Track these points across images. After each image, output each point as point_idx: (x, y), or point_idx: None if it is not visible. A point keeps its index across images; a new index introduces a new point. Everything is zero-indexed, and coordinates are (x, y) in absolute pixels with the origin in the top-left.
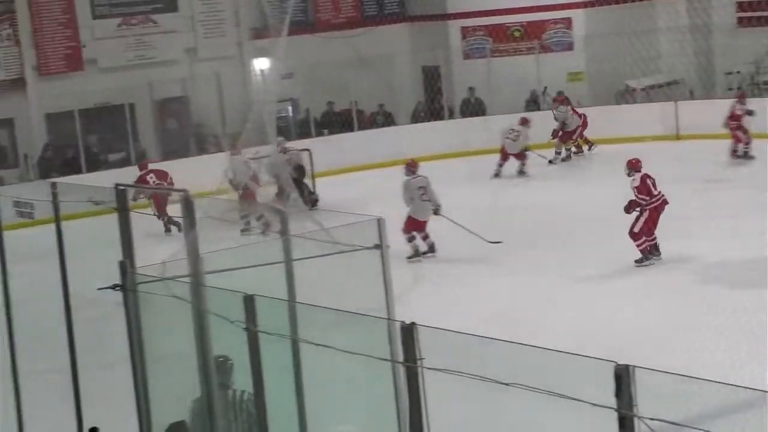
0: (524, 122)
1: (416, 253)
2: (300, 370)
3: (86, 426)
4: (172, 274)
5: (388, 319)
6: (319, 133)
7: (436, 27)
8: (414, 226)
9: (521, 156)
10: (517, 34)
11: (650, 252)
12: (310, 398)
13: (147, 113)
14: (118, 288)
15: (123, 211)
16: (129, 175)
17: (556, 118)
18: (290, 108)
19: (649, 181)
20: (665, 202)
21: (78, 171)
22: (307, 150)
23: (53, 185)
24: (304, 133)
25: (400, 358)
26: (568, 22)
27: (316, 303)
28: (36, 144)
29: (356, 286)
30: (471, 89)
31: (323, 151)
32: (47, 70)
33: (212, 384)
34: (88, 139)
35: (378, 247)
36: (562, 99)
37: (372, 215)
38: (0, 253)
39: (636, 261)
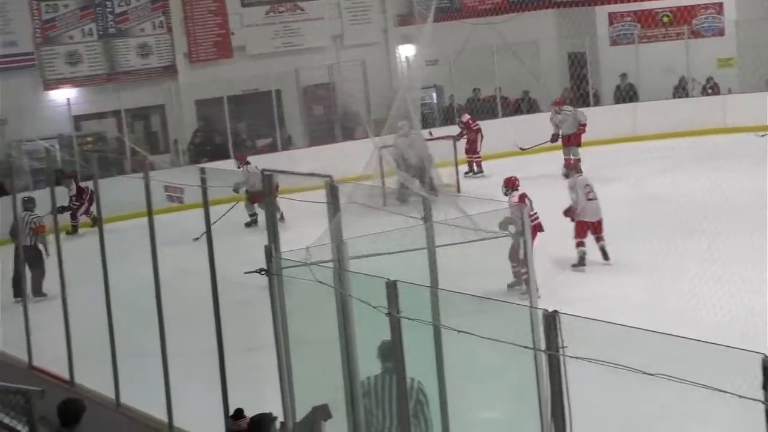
0: None
1: (581, 262)
2: (441, 356)
3: (232, 407)
4: (316, 259)
5: (531, 306)
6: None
7: (583, 13)
8: (584, 229)
9: None
10: (666, 19)
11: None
12: (452, 384)
13: (293, 99)
14: (263, 272)
15: (268, 196)
16: (276, 160)
17: None
18: (434, 95)
19: (527, 200)
20: (539, 227)
21: (226, 156)
22: (451, 136)
23: (202, 170)
24: (448, 120)
25: (542, 345)
26: (719, 7)
27: (458, 289)
28: (186, 130)
29: (498, 274)
30: (623, 75)
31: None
32: (197, 58)
33: (355, 368)
34: (236, 125)
35: (520, 234)
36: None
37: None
38: (151, 237)
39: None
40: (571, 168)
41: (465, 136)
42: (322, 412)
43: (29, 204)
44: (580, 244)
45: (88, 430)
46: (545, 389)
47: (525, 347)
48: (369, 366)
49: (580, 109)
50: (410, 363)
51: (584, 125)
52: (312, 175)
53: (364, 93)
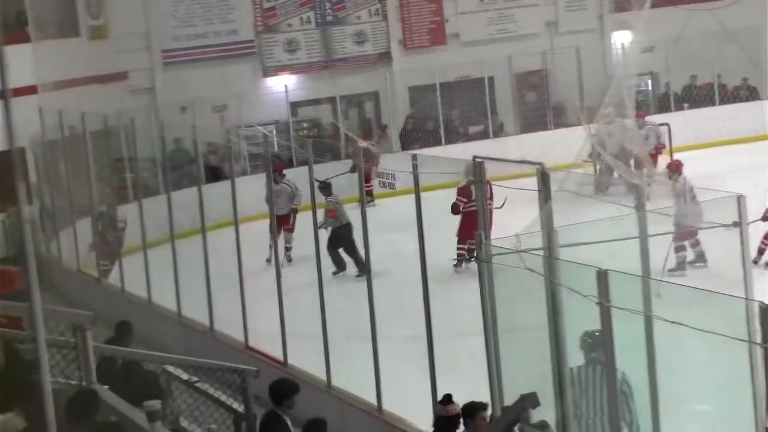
0: None
1: (680, 266)
2: (653, 347)
3: (440, 393)
4: (526, 246)
5: (746, 298)
6: (679, 108)
7: None
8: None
9: None
10: None
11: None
12: (662, 376)
13: (506, 86)
14: (473, 259)
15: (479, 182)
16: (488, 147)
17: None
18: (650, 82)
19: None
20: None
21: (438, 143)
22: (666, 124)
23: (414, 157)
24: (663, 108)
25: (758, 338)
26: None
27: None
28: (399, 116)
29: (713, 264)
30: None
31: (683, 125)
32: (412, 44)
33: (564, 357)
34: (449, 112)
35: (737, 224)
36: None
37: (732, 192)
38: (362, 221)
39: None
40: None
41: None
42: (530, 400)
43: (325, 189)
44: (680, 249)
45: (300, 410)
46: (760, 383)
47: (740, 339)
48: (575, 355)
49: None
50: (619, 353)
51: None
52: (523, 162)
53: (578, 80)
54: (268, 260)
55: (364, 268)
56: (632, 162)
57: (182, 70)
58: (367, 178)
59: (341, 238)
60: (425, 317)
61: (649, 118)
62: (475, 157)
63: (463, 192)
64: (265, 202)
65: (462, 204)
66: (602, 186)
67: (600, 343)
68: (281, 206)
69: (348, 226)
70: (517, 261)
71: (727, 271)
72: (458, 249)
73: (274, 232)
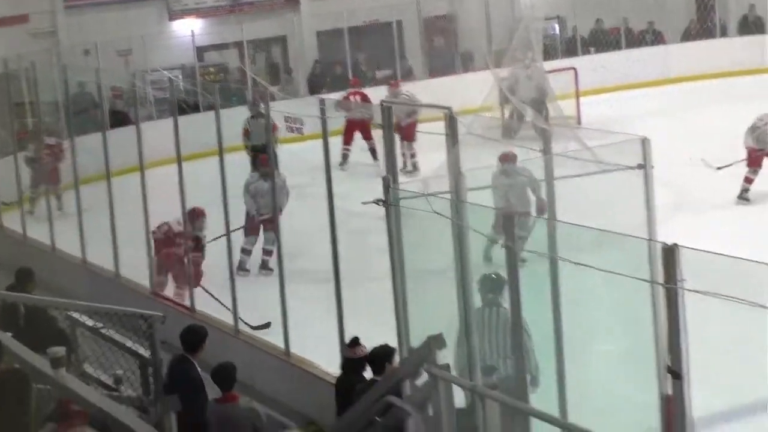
0: None
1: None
2: (558, 289)
3: (348, 336)
4: (434, 190)
5: (650, 240)
6: (586, 52)
7: None
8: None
9: None
10: None
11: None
12: (567, 317)
13: (414, 31)
14: (380, 203)
15: (387, 127)
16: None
17: None
18: (556, 26)
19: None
20: None
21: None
22: (572, 68)
23: (321, 101)
24: (570, 52)
25: (660, 279)
26: None
27: (575, 222)
28: (307, 61)
29: (617, 207)
30: (752, 5)
31: (589, 69)
32: None
33: (470, 299)
34: (356, 57)
35: (641, 167)
36: None
37: (637, 135)
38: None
39: None
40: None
41: None
42: (436, 342)
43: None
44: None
45: (208, 355)
46: (662, 323)
47: (641, 280)
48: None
49: None
50: (525, 295)
51: None
52: (431, 106)
53: (486, 25)
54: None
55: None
56: (553, 104)
57: (85, 13)
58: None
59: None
60: (332, 260)
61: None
62: (383, 101)
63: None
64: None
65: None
66: (510, 131)
67: (500, 286)
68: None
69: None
70: (424, 204)
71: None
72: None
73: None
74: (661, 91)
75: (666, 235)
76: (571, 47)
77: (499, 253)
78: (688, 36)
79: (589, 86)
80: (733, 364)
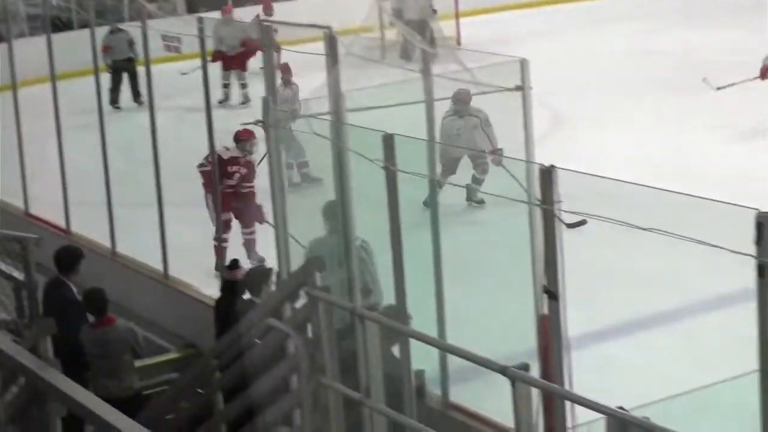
0: None
1: None
2: (437, 210)
3: (227, 258)
4: (314, 111)
5: (527, 161)
6: None
7: None
8: None
9: None
10: None
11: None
12: (446, 238)
13: None
14: (260, 124)
15: (268, 47)
16: (276, 10)
17: None
18: None
19: None
20: None
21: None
22: None
23: (200, 20)
24: None
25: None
26: None
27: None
28: None
29: (496, 128)
30: None
31: None
32: None
33: (350, 220)
34: None
35: (520, 88)
36: None
37: (515, 56)
38: (148, 86)
39: None
40: None
41: None
42: (316, 264)
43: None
44: None
45: (85, 277)
46: (539, 243)
47: (518, 201)
48: (362, 220)
49: None
50: (405, 216)
51: None
52: (310, 26)
53: None
54: None
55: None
56: (436, 24)
57: None
58: None
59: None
60: (212, 183)
61: None
62: (262, 20)
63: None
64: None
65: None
66: (406, 53)
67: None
68: None
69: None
70: (305, 126)
71: (511, 135)
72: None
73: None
74: (543, 12)
75: (544, 156)
76: None
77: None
78: None
79: (470, 6)
80: (608, 285)
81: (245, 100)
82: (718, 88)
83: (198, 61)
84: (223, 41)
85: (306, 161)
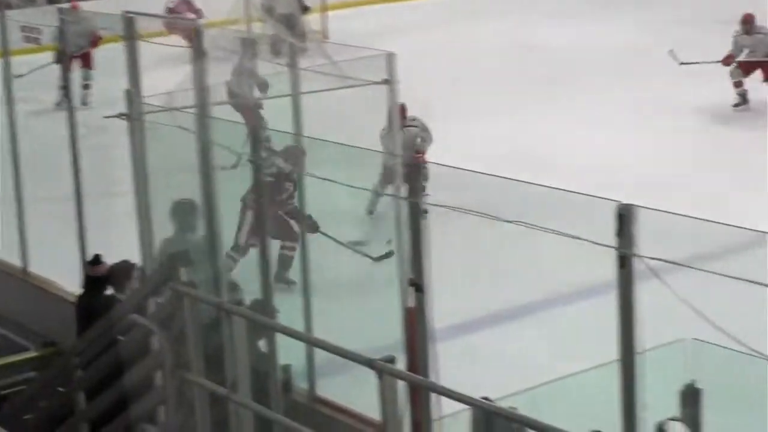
0: None
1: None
2: (303, 204)
3: (89, 254)
4: (179, 104)
5: (394, 154)
6: None
7: None
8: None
9: None
10: None
11: None
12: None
13: None
14: (123, 116)
15: (130, 39)
16: (138, 2)
17: None
18: None
19: None
20: None
21: None
22: None
23: (60, 11)
24: None
25: (404, 193)
26: None
27: (322, 137)
28: None
29: (364, 122)
30: None
31: None
32: None
33: (216, 215)
34: None
35: (387, 82)
36: None
37: (383, 50)
38: (5, 78)
39: None
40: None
41: None
42: (180, 259)
43: None
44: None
45: None
46: (406, 236)
47: (385, 195)
48: (228, 213)
49: None
50: None
51: None
52: (175, 17)
53: None
54: None
55: None
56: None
57: None
58: None
59: None
60: (73, 176)
61: None
62: (125, 12)
63: None
64: None
65: None
66: (276, 48)
67: (190, 212)
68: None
69: None
70: (169, 119)
71: (379, 128)
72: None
73: None
74: (414, 6)
75: None
76: None
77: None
78: None
79: (339, 0)
80: (474, 277)
81: (85, 101)
82: (682, 63)
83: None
84: (70, 39)
85: None
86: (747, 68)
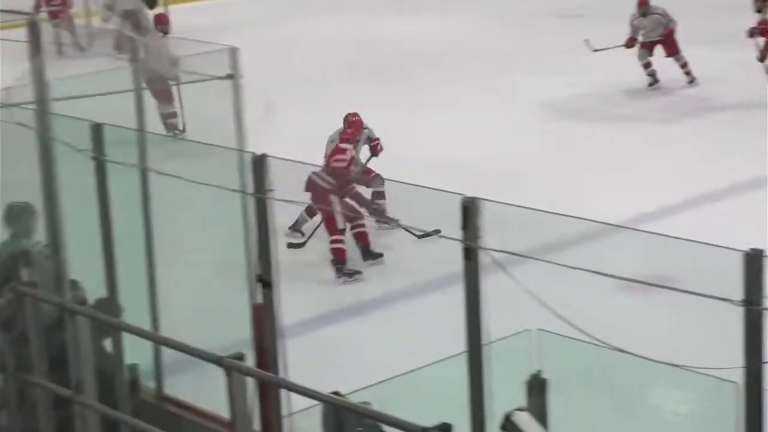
0: None
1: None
2: (148, 202)
3: None
4: (17, 100)
5: (239, 150)
6: None
7: None
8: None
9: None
10: None
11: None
12: (159, 230)
13: None
14: None
15: None
16: None
17: None
18: None
19: None
20: None
21: None
22: None
23: None
24: None
25: (251, 189)
26: None
27: (164, 133)
28: None
29: (209, 117)
30: None
31: None
32: None
33: (59, 214)
34: None
35: (231, 76)
36: None
37: (226, 44)
38: None
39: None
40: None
41: None
42: (21, 259)
43: None
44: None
45: None
46: (252, 233)
47: (231, 190)
48: (72, 211)
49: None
50: (116, 209)
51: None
52: (12, 12)
53: None
54: None
55: None
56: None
57: None
58: None
59: None
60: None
61: None
62: None
63: None
64: None
65: None
66: (120, 44)
67: (23, 217)
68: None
69: None
70: (6, 115)
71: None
72: None
73: None
74: (257, 0)
75: (257, 145)
76: None
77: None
78: None
79: None
80: (323, 272)
81: None
82: (595, 50)
83: None
84: None
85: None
86: (649, 47)
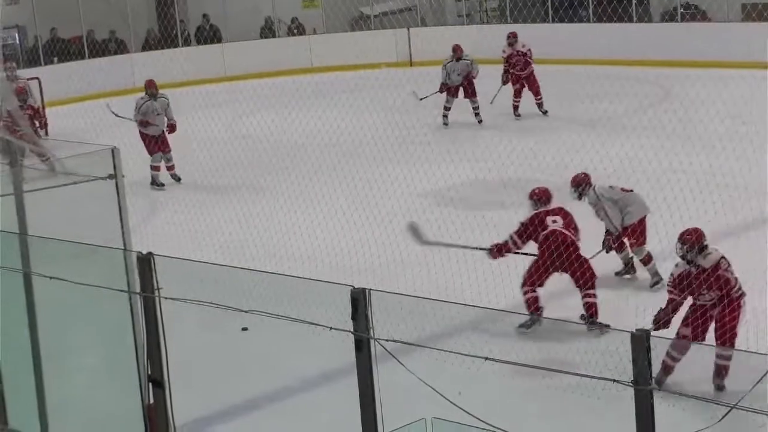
0: None
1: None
2: (33, 305)
3: None
4: None
5: (125, 249)
6: (49, 62)
7: None
8: None
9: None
10: None
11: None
12: (45, 332)
13: None
14: None
15: None
16: None
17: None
18: (17, 35)
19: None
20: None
21: None
22: (36, 78)
23: None
24: (33, 62)
25: (138, 288)
26: None
27: (50, 235)
28: None
29: (92, 217)
30: (205, 16)
31: (54, 80)
32: None
33: None
34: None
35: (113, 177)
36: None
37: (107, 145)
38: None
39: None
40: None
41: None
42: None
43: None
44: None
45: None
46: (141, 331)
47: (117, 290)
48: None
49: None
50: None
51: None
52: None
53: None
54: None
55: None
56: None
57: None
58: None
59: None
60: None
61: (20, 72)
62: None
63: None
64: None
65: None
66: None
67: None
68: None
69: None
70: None
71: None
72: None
73: None
74: (129, 99)
75: (142, 243)
76: (33, 57)
77: None
78: (149, 45)
79: (56, 97)
80: (215, 369)
81: None
82: (421, 99)
83: None
84: None
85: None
86: (454, 92)
